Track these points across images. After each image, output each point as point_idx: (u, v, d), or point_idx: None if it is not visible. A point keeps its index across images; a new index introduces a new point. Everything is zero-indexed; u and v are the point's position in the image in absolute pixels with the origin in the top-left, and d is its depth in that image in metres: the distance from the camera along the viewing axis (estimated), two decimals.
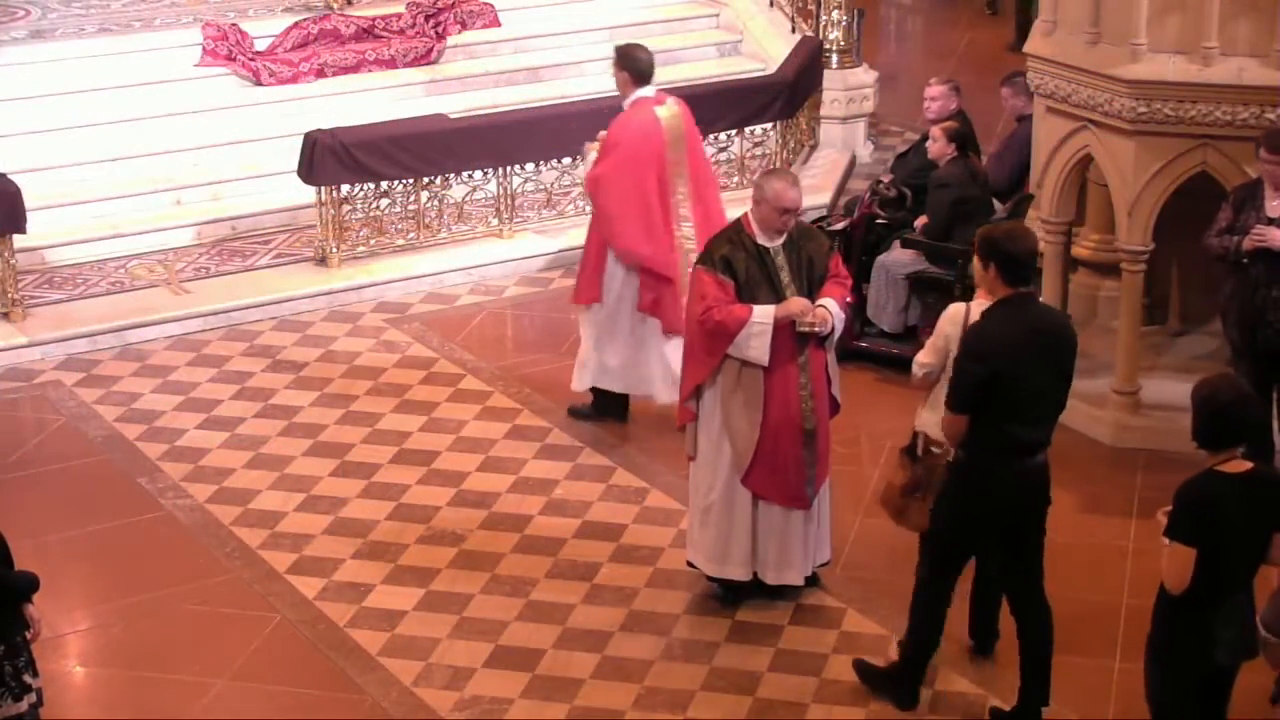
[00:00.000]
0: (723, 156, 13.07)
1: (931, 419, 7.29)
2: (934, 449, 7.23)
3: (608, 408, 9.87)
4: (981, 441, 6.90)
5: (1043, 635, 7.16)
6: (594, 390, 9.84)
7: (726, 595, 8.11)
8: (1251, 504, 5.99)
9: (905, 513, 7.35)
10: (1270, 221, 8.53)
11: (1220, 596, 6.03)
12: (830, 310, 7.78)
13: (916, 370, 7.45)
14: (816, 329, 7.72)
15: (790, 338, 7.74)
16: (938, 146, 10.61)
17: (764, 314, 7.65)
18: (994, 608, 7.61)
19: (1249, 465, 6.05)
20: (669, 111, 9.68)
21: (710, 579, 8.15)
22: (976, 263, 7.00)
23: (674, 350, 9.12)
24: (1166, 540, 6.03)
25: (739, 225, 7.88)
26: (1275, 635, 5.75)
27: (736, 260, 7.75)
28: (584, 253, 9.81)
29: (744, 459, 7.83)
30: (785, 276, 7.78)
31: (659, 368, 9.59)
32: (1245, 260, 8.63)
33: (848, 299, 7.99)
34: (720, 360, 7.77)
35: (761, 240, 7.80)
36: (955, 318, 7.25)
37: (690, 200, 9.59)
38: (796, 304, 7.69)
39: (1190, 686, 6.20)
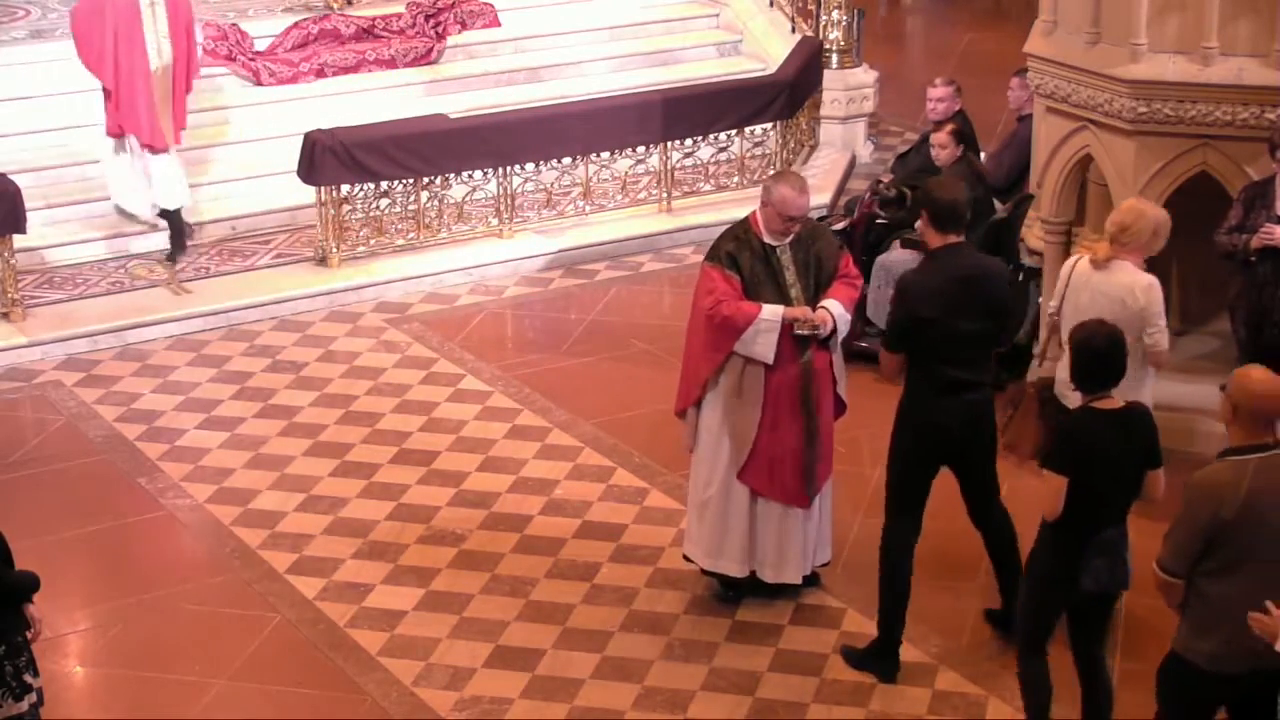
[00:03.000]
0: (723, 156, 13.08)
1: (1062, 374, 7.83)
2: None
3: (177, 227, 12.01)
4: (921, 381, 7.45)
5: (1006, 539, 7.71)
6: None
7: (725, 591, 8.12)
8: (1123, 438, 6.50)
9: None
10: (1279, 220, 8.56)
11: (1095, 527, 6.55)
12: (831, 312, 7.77)
13: (1046, 318, 8.43)
14: (816, 332, 7.72)
15: (793, 337, 7.74)
16: (947, 153, 10.51)
17: (773, 312, 7.68)
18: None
19: (1121, 403, 6.56)
20: None
21: (706, 572, 8.15)
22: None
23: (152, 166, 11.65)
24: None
25: (746, 224, 7.89)
26: (1171, 575, 6.05)
27: (742, 258, 7.76)
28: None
29: (740, 456, 7.85)
30: (790, 275, 7.79)
31: (143, 180, 11.76)
32: (1253, 259, 8.65)
33: (856, 299, 8.01)
34: (726, 355, 7.78)
35: (768, 239, 7.80)
36: (1064, 270, 8.21)
37: (170, 37, 11.55)
38: (803, 310, 7.73)
39: (1056, 609, 6.74)
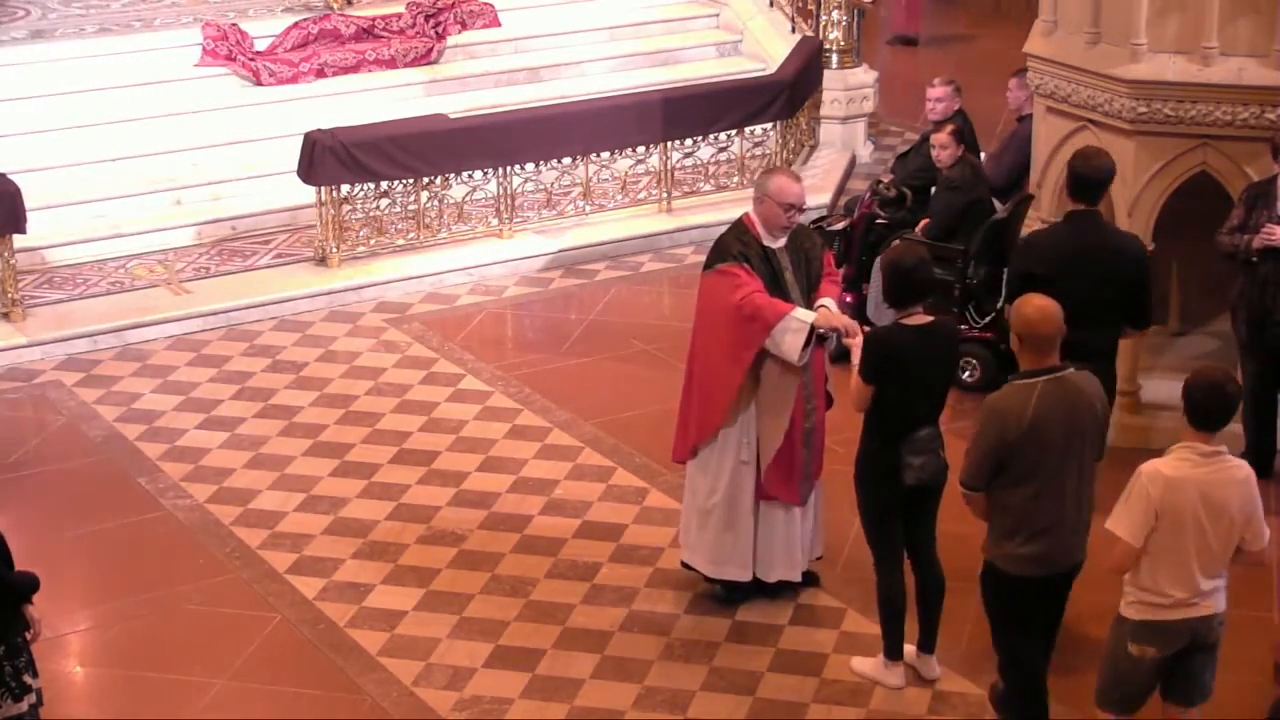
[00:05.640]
0: (723, 156, 13.08)
1: None
2: None
3: None
4: None
5: None
6: None
7: (727, 596, 8.11)
8: (929, 349, 7.14)
9: None
10: None
11: (909, 428, 7.16)
12: (832, 310, 7.79)
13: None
14: (836, 332, 7.75)
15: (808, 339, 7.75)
16: (948, 153, 10.50)
17: (806, 315, 7.64)
18: None
19: (929, 319, 7.17)
20: None
21: (709, 579, 8.15)
22: None
23: None
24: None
25: (742, 226, 7.86)
26: (970, 489, 6.61)
27: (751, 257, 7.74)
28: None
29: (766, 460, 7.84)
30: (789, 276, 7.80)
31: None
32: (1255, 259, 8.67)
33: (846, 298, 8.02)
34: (755, 353, 7.69)
35: (766, 241, 7.79)
36: None
37: None
38: (839, 320, 7.72)
39: (888, 504, 7.32)
